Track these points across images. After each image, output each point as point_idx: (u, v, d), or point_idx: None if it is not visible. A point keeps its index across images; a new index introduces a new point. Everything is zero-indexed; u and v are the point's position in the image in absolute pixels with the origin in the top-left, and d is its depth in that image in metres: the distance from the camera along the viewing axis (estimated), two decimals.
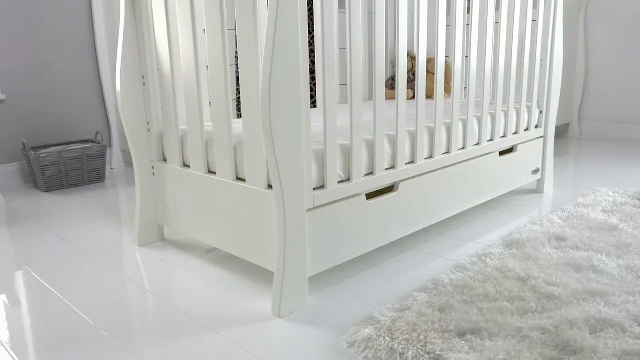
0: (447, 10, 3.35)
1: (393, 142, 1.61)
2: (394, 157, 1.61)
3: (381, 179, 1.56)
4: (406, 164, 1.66)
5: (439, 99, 1.72)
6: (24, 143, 2.67)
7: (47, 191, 2.64)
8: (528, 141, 2.20)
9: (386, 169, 1.59)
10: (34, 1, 2.75)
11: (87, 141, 2.92)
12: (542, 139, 2.29)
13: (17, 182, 2.79)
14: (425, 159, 1.73)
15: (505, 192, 2.12)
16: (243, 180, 1.48)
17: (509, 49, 2.04)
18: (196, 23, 1.53)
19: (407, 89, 2.61)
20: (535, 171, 2.29)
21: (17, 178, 2.79)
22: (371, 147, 1.54)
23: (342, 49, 3.03)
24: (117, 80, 1.72)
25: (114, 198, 2.51)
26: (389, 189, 1.63)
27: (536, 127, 2.27)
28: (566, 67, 3.49)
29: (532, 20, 2.22)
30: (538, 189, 2.36)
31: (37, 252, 1.82)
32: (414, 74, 2.63)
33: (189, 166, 1.70)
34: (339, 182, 1.45)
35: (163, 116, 1.74)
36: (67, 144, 2.85)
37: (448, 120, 1.83)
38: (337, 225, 1.44)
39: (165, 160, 1.80)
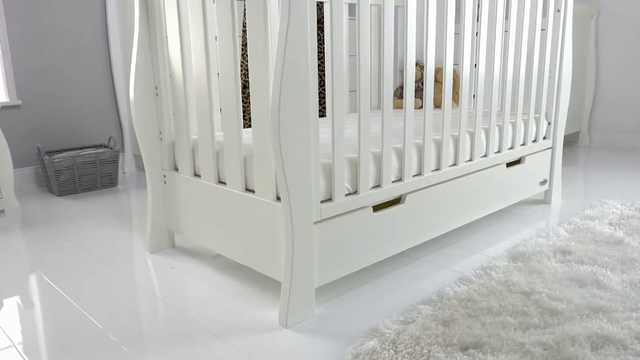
0: (456, 17, 3.37)
1: (400, 155, 1.63)
2: (401, 170, 1.63)
3: (388, 192, 1.58)
4: (413, 176, 1.68)
5: (446, 110, 1.74)
6: (38, 148, 2.72)
7: (60, 195, 2.69)
8: (536, 152, 2.21)
9: (393, 182, 1.62)
10: (49, 9, 2.81)
11: (100, 146, 2.97)
12: (550, 150, 2.30)
13: (32, 185, 2.84)
14: (432, 171, 1.75)
15: (512, 203, 2.14)
16: (252, 191, 1.51)
17: (517, 59, 2.05)
18: (208, 32, 1.57)
19: (417, 97, 2.63)
20: (543, 182, 2.30)
21: (31, 182, 2.84)
22: (378, 160, 1.56)
23: (352, 55, 3.06)
24: (130, 90, 1.76)
25: (126, 203, 2.56)
26: (396, 201, 1.65)
27: (544, 138, 2.28)
28: (577, 76, 3.49)
29: (541, 29, 2.23)
30: (546, 199, 2.37)
31: (49, 256, 1.87)
32: (422, 83, 2.65)
33: (199, 176, 1.73)
34: (346, 195, 1.48)
35: (175, 126, 1.78)
36: (81, 148, 2.91)
37: (455, 133, 1.85)
38: (344, 237, 1.47)
39: (176, 169, 1.84)
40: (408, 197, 1.65)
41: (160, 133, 1.82)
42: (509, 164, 2.11)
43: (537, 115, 2.22)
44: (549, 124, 2.27)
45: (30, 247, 1.97)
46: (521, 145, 2.14)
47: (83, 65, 2.97)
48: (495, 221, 2.13)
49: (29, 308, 1.49)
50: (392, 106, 1.56)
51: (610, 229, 1.87)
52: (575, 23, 3.34)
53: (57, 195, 2.69)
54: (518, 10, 2.02)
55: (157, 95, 1.79)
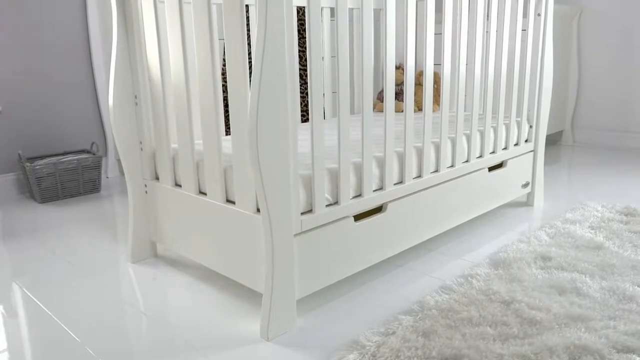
0: (437, 18, 3.37)
1: (381, 163, 1.63)
2: (382, 179, 1.63)
3: (369, 201, 1.58)
4: (394, 184, 1.68)
5: (427, 117, 1.75)
6: (19, 154, 2.69)
7: (42, 202, 2.66)
8: (518, 156, 2.23)
9: (374, 191, 1.62)
10: (29, 14, 2.77)
11: (82, 151, 2.94)
12: (532, 152, 2.32)
13: (13, 192, 2.81)
14: (414, 178, 1.75)
15: (495, 206, 2.15)
16: (233, 202, 1.51)
17: (498, 63, 2.06)
18: (185, 39, 1.55)
19: (399, 101, 2.63)
20: (525, 185, 2.31)
21: (13, 188, 2.81)
22: (359, 169, 1.56)
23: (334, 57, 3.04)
24: (109, 99, 1.74)
25: (109, 210, 2.53)
26: (377, 210, 1.65)
27: (526, 141, 2.29)
28: (559, 75, 3.51)
29: (522, 30, 2.24)
30: (528, 202, 2.39)
31: (29, 266, 1.85)
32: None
33: (180, 185, 1.72)
34: (327, 206, 1.48)
35: (155, 135, 1.77)
36: (63, 154, 2.87)
37: (437, 139, 1.85)
38: (325, 248, 1.47)
39: (157, 178, 1.82)
40: (389, 206, 1.65)
41: (141, 142, 1.80)
42: (491, 168, 2.12)
43: (519, 119, 2.23)
44: (531, 127, 2.28)
45: (10, 257, 1.95)
46: (503, 149, 2.15)
47: (64, 70, 2.93)
48: (478, 225, 2.14)
49: (6, 320, 1.47)
50: (372, 112, 1.56)
51: (591, 233, 1.89)
52: (558, 23, 3.36)
53: (39, 203, 2.66)
54: (498, 13, 2.02)
55: (136, 104, 1.77)
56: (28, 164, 2.63)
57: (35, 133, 2.87)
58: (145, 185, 1.83)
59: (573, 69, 3.60)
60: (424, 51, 1.72)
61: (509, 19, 2.04)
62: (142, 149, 1.81)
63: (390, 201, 1.66)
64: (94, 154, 2.85)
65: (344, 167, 1.48)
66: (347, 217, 1.52)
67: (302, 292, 1.43)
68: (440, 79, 2.70)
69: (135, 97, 1.77)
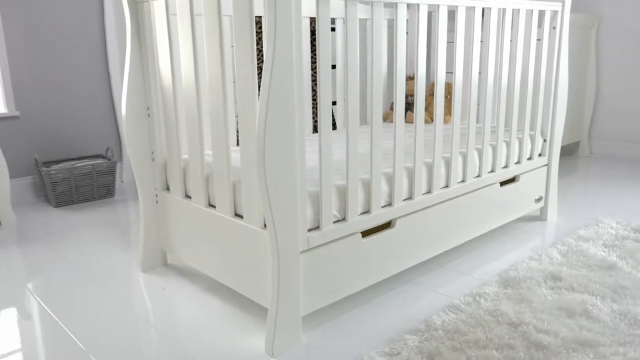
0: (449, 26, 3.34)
1: (390, 179, 1.62)
2: (390, 195, 1.63)
3: (377, 217, 1.58)
4: (403, 200, 1.67)
5: (437, 130, 1.73)
6: (36, 159, 2.73)
7: (57, 206, 2.70)
8: (531, 170, 2.20)
9: (383, 207, 1.61)
10: (48, 21, 2.81)
11: (97, 156, 2.98)
12: (546, 167, 2.29)
13: (30, 195, 2.85)
14: (424, 194, 1.74)
15: (507, 221, 2.13)
16: (242, 216, 1.51)
17: (511, 74, 2.04)
18: (197, 51, 1.56)
19: (411, 111, 2.62)
20: (538, 199, 2.29)
21: (29, 191, 2.85)
22: (367, 186, 1.56)
23: None
24: (122, 110, 1.76)
25: (122, 215, 2.56)
26: (386, 225, 1.64)
27: (540, 155, 2.26)
28: (577, 85, 3.47)
29: (537, 40, 2.21)
30: (541, 216, 2.36)
31: (41, 273, 1.87)
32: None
33: (190, 197, 1.73)
34: (334, 222, 1.47)
35: (167, 146, 1.78)
36: (79, 158, 2.91)
37: (447, 154, 1.84)
38: (332, 265, 1.46)
39: (168, 189, 1.84)
40: (398, 222, 1.64)
41: (153, 153, 1.82)
42: (503, 183, 2.10)
43: (532, 133, 2.20)
44: (545, 141, 2.26)
45: (23, 262, 1.98)
46: (516, 163, 2.13)
47: (81, 77, 2.97)
48: (489, 240, 2.12)
49: (14, 326, 1.49)
50: (381, 125, 1.55)
51: (604, 252, 1.86)
52: (576, 32, 3.32)
53: (54, 207, 2.70)
54: (512, 25, 2.00)
55: (149, 115, 1.79)
56: (44, 168, 2.67)
57: (52, 138, 2.91)
58: (157, 195, 1.85)
59: (590, 78, 3.55)
60: (435, 61, 1.71)
61: (523, 30, 2.02)
62: (153, 160, 1.82)
63: (399, 217, 1.65)
64: (109, 159, 2.88)
65: (352, 184, 1.48)
66: (355, 233, 1.52)
67: (308, 309, 1.43)
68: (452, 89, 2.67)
69: (148, 108, 1.78)
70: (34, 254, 2.08)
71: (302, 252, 1.38)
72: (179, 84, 1.72)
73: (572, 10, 3.57)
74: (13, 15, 2.70)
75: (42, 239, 2.24)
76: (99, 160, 2.87)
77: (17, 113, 2.76)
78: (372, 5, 1.46)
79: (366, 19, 2.56)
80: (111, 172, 2.83)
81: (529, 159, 2.20)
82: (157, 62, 1.73)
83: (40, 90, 2.84)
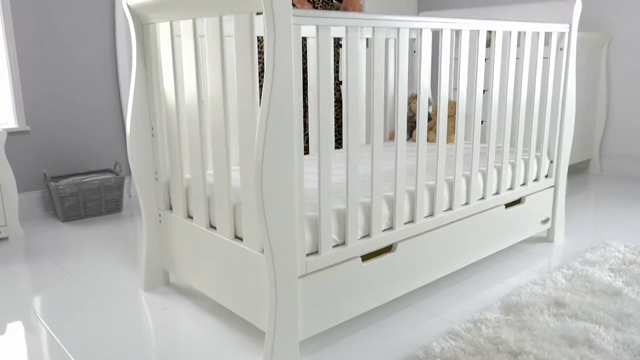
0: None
1: (391, 202, 1.62)
2: (392, 218, 1.62)
3: (378, 241, 1.57)
4: (405, 223, 1.67)
5: (440, 152, 1.72)
6: (44, 174, 2.76)
7: (65, 221, 2.72)
8: (537, 192, 2.18)
9: (383, 230, 1.60)
10: (60, 39, 2.86)
11: (106, 171, 3.00)
12: (553, 188, 2.26)
13: (39, 209, 2.89)
14: (426, 217, 1.73)
15: (512, 243, 2.10)
16: (241, 239, 1.51)
17: (517, 95, 2.02)
18: (200, 71, 1.57)
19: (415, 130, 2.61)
20: (545, 221, 2.26)
21: (39, 205, 2.88)
22: (368, 209, 1.55)
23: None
24: (127, 130, 1.78)
25: (129, 230, 2.58)
26: (387, 249, 1.63)
27: (546, 176, 2.24)
28: (587, 103, 3.44)
29: (544, 58, 2.19)
30: (548, 237, 2.33)
31: (45, 290, 1.89)
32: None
33: (192, 217, 1.74)
34: (334, 247, 1.47)
35: (170, 166, 1.79)
36: (87, 173, 2.94)
37: (450, 177, 1.83)
38: (331, 289, 1.46)
39: (171, 208, 1.84)
40: (399, 245, 1.63)
41: (156, 173, 1.83)
42: (508, 205, 2.08)
43: (539, 154, 2.18)
44: (551, 162, 2.23)
45: (28, 278, 2.00)
46: (521, 185, 2.11)
47: (91, 92, 3.01)
48: (494, 262, 2.10)
49: (12, 343, 1.50)
50: (382, 147, 1.54)
51: (610, 277, 1.83)
52: (586, 50, 3.30)
53: (62, 221, 2.73)
54: (519, 45, 1.99)
55: (153, 135, 1.81)
56: (52, 183, 2.70)
57: (61, 152, 2.95)
58: (160, 215, 1.86)
59: (601, 96, 3.51)
60: (438, 81, 1.70)
61: (529, 51, 2.01)
62: (157, 179, 1.83)
63: (400, 241, 1.64)
64: (117, 174, 2.91)
65: (352, 208, 1.48)
66: (355, 257, 1.51)
67: (306, 334, 1.42)
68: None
69: (152, 128, 1.80)
70: (38, 269, 2.10)
71: (300, 277, 1.38)
72: (182, 104, 1.74)
73: (583, 29, 3.55)
74: (25, 31, 2.75)
75: (47, 255, 2.26)
76: (107, 175, 2.89)
77: (27, 128, 2.80)
78: (373, 30, 1.47)
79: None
80: (119, 187, 2.85)
81: (535, 180, 2.18)
82: (162, 82, 1.74)
83: (50, 105, 2.88)
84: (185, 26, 1.56)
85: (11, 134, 2.78)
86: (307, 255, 1.41)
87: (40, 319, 1.69)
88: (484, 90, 1.89)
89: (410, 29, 1.55)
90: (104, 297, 1.85)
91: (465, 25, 1.71)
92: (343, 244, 1.49)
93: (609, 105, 3.53)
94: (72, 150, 2.99)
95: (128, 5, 1.71)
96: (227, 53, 1.52)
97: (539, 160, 2.17)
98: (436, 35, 4.15)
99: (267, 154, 1.24)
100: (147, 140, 1.81)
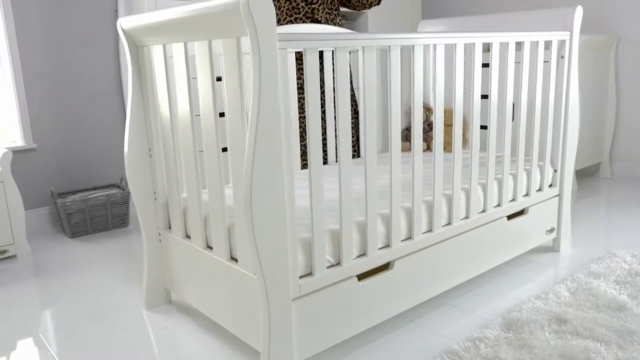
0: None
1: (387, 220, 1.60)
2: (388, 236, 1.61)
3: (374, 260, 1.56)
4: (402, 240, 1.65)
5: (437, 164, 1.70)
6: (51, 190, 2.80)
7: (72, 237, 2.75)
8: (541, 202, 2.15)
9: (380, 249, 1.59)
10: (66, 58, 2.89)
11: (112, 186, 3.03)
12: (558, 197, 2.23)
13: (47, 225, 2.92)
14: (424, 233, 1.71)
15: (515, 255, 2.08)
16: (237, 260, 1.51)
17: (518, 103, 1.99)
18: (192, 91, 1.58)
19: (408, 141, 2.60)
20: (550, 230, 2.23)
21: (47, 221, 2.92)
22: (363, 228, 1.54)
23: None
24: (125, 151, 1.79)
25: (134, 246, 2.59)
26: (384, 267, 1.62)
27: (550, 185, 2.21)
28: (597, 106, 3.38)
29: (545, 61, 2.15)
30: (554, 247, 2.30)
31: (48, 308, 1.91)
32: (429, 125, 2.61)
33: (190, 237, 1.74)
34: (328, 267, 1.46)
35: (168, 187, 1.80)
36: (94, 189, 2.97)
37: (449, 191, 1.81)
38: (327, 310, 1.45)
39: (170, 228, 1.85)
40: (397, 263, 1.62)
41: (155, 192, 1.84)
42: (511, 216, 2.05)
43: (541, 163, 2.15)
44: (555, 171, 2.20)
45: (32, 297, 2.02)
46: (524, 196, 2.08)
47: (97, 110, 3.04)
48: (498, 274, 2.07)
49: None
50: (376, 161, 1.52)
51: (615, 290, 1.79)
52: (594, 53, 3.25)
53: (69, 237, 2.76)
54: (520, 52, 1.97)
55: (150, 156, 1.82)
56: (60, 200, 2.73)
57: (68, 169, 2.98)
58: (159, 234, 1.87)
59: (611, 99, 3.46)
60: (435, 91, 1.69)
61: (527, 58, 1.98)
62: (155, 199, 1.84)
63: (397, 258, 1.62)
64: (122, 189, 2.93)
65: (346, 227, 1.47)
66: (351, 277, 1.50)
67: (303, 355, 1.41)
68: (466, 119, 2.64)
69: (150, 149, 1.81)
70: (43, 287, 2.12)
71: (293, 299, 1.37)
72: (177, 124, 1.74)
73: (590, 32, 3.50)
74: (31, 51, 2.79)
75: (52, 272, 2.28)
76: (114, 191, 2.92)
77: (34, 145, 2.84)
78: (362, 51, 1.46)
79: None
80: (125, 202, 2.88)
81: (539, 190, 2.15)
82: (157, 103, 1.75)
83: (56, 123, 2.92)
84: (177, 49, 1.57)
85: (18, 152, 2.82)
86: (301, 277, 1.40)
87: (42, 338, 1.71)
88: (482, 96, 1.87)
89: (402, 47, 1.55)
90: (106, 315, 1.87)
91: (460, 39, 1.69)
92: (338, 264, 1.48)
93: (619, 108, 3.48)
94: (79, 166, 3.02)
95: (123, 29, 1.72)
96: (215, 70, 1.53)
97: (542, 169, 2.14)
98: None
99: (256, 176, 1.24)
100: (145, 160, 1.82)
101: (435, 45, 1.64)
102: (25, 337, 1.74)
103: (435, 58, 1.65)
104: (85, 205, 2.75)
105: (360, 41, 1.41)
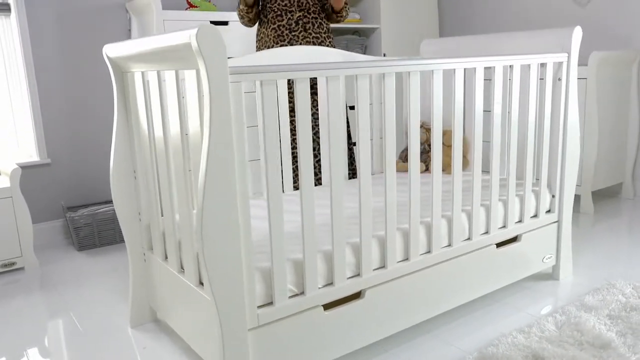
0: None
1: (357, 249, 1.58)
2: (358, 265, 1.58)
3: (343, 290, 1.54)
4: (374, 270, 1.62)
5: (413, 191, 1.67)
6: (62, 205, 2.90)
7: (80, 250, 2.84)
8: (536, 229, 2.07)
9: (349, 278, 1.57)
10: (80, 75, 3.00)
11: None
12: (556, 223, 2.14)
13: (59, 238, 3.03)
14: (399, 262, 1.68)
15: (505, 285, 2.00)
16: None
17: (511, 125, 1.93)
18: (166, 116, 1.61)
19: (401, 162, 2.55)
20: (548, 258, 2.14)
21: (59, 233, 3.03)
22: (329, 257, 1.52)
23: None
24: (110, 173, 1.84)
25: None
26: (355, 295, 1.60)
27: (548, 211, 2.13)
28: (618, 124, 3.25)
29: (540, 79, 2.07)
30: (553, 275, 2.21)
31: (41, 322, 1.97)
32: (429, 145, 2.56)
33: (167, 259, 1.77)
34: (290, 297, 1.45)
35: (148, 209, 1.83)
36: (104, 203, 3.06)
37: (427, 219, 1.76)
38: (289, 340, 1.44)
39: (152, 249, 1.88)
40: (368, 292, 1.59)
41: (139, 214, 1.88)
42: (501, 244, 1.99)
43: (537, 189, 2.08)
44: (553, 196, 2.12)
45: (31, 312, 2.09)
46: (517, 222, 2.01)
47: (108, 126, 3.14)
48: (490, 301, 2.01)
49: None
50: (343, 186, 1.50)
51: (605, 326, 1.71)
52: (614, 69, 3.12)
53: (77, 250, 2.84)
54: (511, 76, 1.91)
55: (135, 178, 1.86)
56: (70, 213, 2.82)
57: (80, 183, 3.08)
58: (144, 254, 1.90)
59: (633, 116, 3.31)
60: (432, 120, 1.66)
61: (518, 82, 1.92)
62: (140, 220, 1.88)
63: (369, 287, 1.60)
64: None
65: (309, 257, 1.45)
66: (316, 307, 1.49)
67: None
68: (467, 141, 2.58)
69: (134, 171, 1.85)
70: (42, 302, 2.19)
71: (250, 329, 1.37)
72: (154, 147, 1.78)
73: (610, 47, 3.37)
74: (47, 70, 2.91)
75: (54, 286, 2.36)
76: None
77: (48, 160, 2.95)
78: (356, 78, 1.44)
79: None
80: None
81: (534, 216, 2.07)
82: (140, 126, 1.79)
83: (70, 140, 3.02)
84: (152, 76, 1.60)
85: (34, 166, 2.93)
86: (260, 307, 1.40)
87: (28, 353, 1.76)
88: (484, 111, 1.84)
89: (397, 73, 1.54)
90: (92, 332, 1.91)
91: (442, 65, 1.65)
92: (302, 293, 1.47)
93: None
94: (90, 181, 3.12)
95: (108, 56, 1.77)
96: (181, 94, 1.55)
97: (537, 195, 2.07)
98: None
99: (208, 203, 1.25)
100: (129, 182, 1.86)
101: (432, 72, 1.62)
102: (9, 352, 1.80)
103: (432, 84, 1.63)
104: (93, 219, 2.83)
105: (344, 70, 1.40)
